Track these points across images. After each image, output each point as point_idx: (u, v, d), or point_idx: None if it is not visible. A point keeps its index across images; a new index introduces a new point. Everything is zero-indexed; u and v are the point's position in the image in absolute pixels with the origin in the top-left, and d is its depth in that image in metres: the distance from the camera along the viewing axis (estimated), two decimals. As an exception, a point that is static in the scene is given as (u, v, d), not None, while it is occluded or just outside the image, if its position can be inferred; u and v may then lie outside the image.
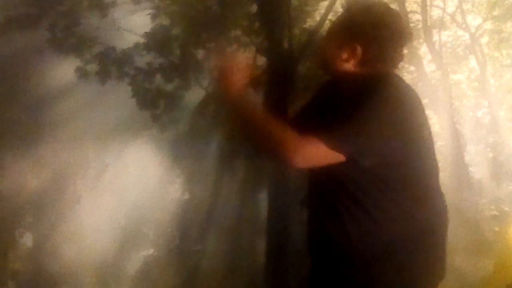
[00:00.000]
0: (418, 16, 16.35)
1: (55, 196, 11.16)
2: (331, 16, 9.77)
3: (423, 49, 16.32)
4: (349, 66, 2.62)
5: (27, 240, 11.34)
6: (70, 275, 10.81)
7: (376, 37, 2.61)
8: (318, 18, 9.90)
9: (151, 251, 11.69)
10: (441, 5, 17.02)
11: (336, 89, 2.66)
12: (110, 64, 10.94)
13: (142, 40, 11.00)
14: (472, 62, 18.09)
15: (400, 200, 2.51)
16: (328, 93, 2.72)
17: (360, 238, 2.54)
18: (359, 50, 2.60)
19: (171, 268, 11.32)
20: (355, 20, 2.63)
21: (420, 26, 16.08)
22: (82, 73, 10.81)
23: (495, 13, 16.89)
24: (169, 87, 11.26)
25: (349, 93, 2.57)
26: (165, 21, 11.27)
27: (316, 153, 2.40)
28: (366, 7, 2.68)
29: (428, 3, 16.16)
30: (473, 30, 17.41)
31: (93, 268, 10.98)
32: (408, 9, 16.07)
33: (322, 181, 2.57)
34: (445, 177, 13.20)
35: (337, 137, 2.40)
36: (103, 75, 10.85)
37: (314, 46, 9.56)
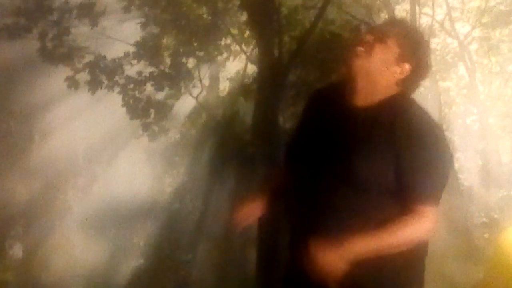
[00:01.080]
0: (407, 24, 16.38)
1: (45, 206, 11.13)
2: (321, 24, 9.79)
3: (412, 57, 16.36)
4: (392, 83, 2.62)
5: (17, 250, 11.30)
6: (60, 285, 10.78)
7: (424, 59, 2.65)
8: (308, 26, 9.91)
9: (141, 261, 11.66)
10: (430, 12, 17.08)
11: (379, 117, 2.56)
12: (100, 73, 10.91)
13: (132, 49, 10.99)
14: (461, 69, 18.13)
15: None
16: (364, 119, 2.57)
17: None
18: (407, 68, 2.62)
19: (161, 278, 11.29)
20: (410, 38, 2.63)
21: (409, 34, 16.10)
22: (72, 83, 10.78)
23: (484, 20, 16.96)
24: (160, 96, 11.26)
25: (404, 129, 2.54)
26: (156, 30, 11.27)
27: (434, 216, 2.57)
28: (416, 29, 2.74)
29: (417, 11, 16.22)
30: (462, 37, 17.46)
31: (83, 278, 10.95)
32: (398, 17, 16.13)
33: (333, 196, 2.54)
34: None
35: (434, 192, 2.60)
36: (93, 84, 10.82)
37: (305, 55, 9.59)
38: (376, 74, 2.61)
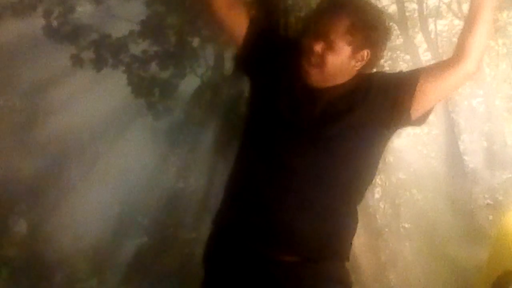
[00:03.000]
0: (414, 5, 16.32)
1: (49, 183, 11.15)
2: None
3: (419, 38, 16.30)
4: (353, 73, 2.60)
5: (21, 227, 11.34)
6: (64, 262, 10.82)
7: (383, 44, 2.63)
8: (314, 7, 9.87)
9: (145, 239, 11.69)
10: (437, -6, 17.00)
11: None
12: (105, 52, 10.90)
13: (137, 27, 10.96)
14: (468, 51, 18.05)
15: None
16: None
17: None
18: (367, 55, 2.60)
19: (165, 256, 11.33)
20: (368, 25, 2.59)
21: (416, 15, 16.06)
22: (77, 61, 10.77)
23: (491, 2, 16.87)
24: (165, 75, 11.24)
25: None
26: (161, 9, 11.23)
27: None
28: (376, 11, 2.67)
29: (424, -8, 16.14)
30: (469, 19, 17.37)
31: (87, 255, 10.99)
32: (405, -2, 16.05)
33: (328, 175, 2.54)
34: (439, 166, 13.24)
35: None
36: (98, 63, 10.82)
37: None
38: (336, 76, 2.61)
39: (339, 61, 2.49)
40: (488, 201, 12.47)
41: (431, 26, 16.41)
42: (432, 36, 16.16)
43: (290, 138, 2.54)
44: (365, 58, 2.55)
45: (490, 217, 11.32)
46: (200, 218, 11.75)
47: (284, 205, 2.51)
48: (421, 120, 2.66)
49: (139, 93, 10.97)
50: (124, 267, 11.28)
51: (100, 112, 11.21)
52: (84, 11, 11.09)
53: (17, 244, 11.09)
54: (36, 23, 10.75)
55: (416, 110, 2.58)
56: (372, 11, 2.62)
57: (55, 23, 10.85)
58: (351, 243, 2.67)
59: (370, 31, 2.55)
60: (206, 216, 11.66)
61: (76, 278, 10.97)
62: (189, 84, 11.62)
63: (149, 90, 11.03)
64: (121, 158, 11.33)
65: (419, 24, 15.86)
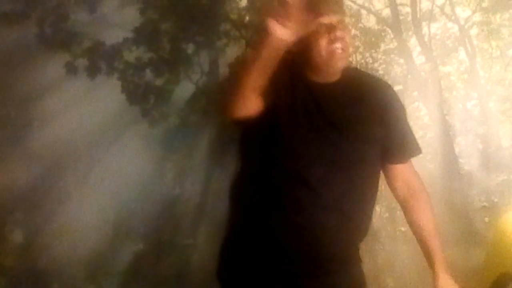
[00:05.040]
0: (407, 9, 16.36)
1: (45, 191, 11.12)
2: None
3: (412, 42, 16.33)
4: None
5: (17, 236, 11.31)
6: (61, 270, 10.79)
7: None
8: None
9: (141, 245, 11.67)
10: (431, -3, 17.04)
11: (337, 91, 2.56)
12: (99, 59, 10.91)
13: (131, 35, 10.97)
14: (462, 54, 18.10)
15: None
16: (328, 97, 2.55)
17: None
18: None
19: (162, 263, 11.31)
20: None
21: (409, 18, 16.08)
22: (71, 68, 10.78)
23: (484, 5, 16.92)
24: (159, 81, 11.24)
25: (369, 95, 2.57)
26: (155, 16, 11.23)
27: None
28: None
29: (418, -5, 16.18)
30: (462, 22, 17.42)
31: (84, 263, 10.96)
32: (398, 2, 16.08)
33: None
34: (435, 169, 13.24)
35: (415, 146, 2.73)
36: (92, 70, 10.82)
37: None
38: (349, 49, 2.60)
39: (350, 35, 2.52)
40: (484, 203, 12.47)
41: (425, 29, 16.44)
42: (426, 39, 16.19)
43: (308, 146, 2.47)
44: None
45: (486, 219, 11.32)
46: (197, 224, 11.75)
47: (314, 220, 2.44)
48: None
49: (133, 100, 10.97)
50: (121, 274, 11.26)
51: (95, 119, 11.20)
52: (77, 18, 11.08)
53: (14, 253, 11.07)
54: (29, 31, 10.75)
55: None
56: None
57: (48, 31, 10.85)
58: None
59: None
60: (202, 222, 11.67)
61: (73, 286, 10.95)
62: (184, 90, 11.62)
63: (144, 97, 11.03)
64: (116, 165, 11.31)
65: (412, 28, 15.89)
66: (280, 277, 2.47)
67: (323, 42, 2.46)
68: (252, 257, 2.52)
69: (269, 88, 2.31)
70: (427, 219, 2.65)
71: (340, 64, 2.49)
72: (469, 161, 15.14)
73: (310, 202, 2.44)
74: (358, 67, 11.09)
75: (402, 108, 2.68)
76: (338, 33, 2.46)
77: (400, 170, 2.66)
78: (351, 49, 2.52)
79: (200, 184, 11.84)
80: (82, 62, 10.87)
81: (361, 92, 2.56)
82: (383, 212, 11.10)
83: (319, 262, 2.44)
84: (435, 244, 2.63)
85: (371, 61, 13.74)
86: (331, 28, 2.46)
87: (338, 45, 2.47)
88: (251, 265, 2.55)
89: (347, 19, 2.49)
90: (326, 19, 2.46)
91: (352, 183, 2.47)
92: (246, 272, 2.56)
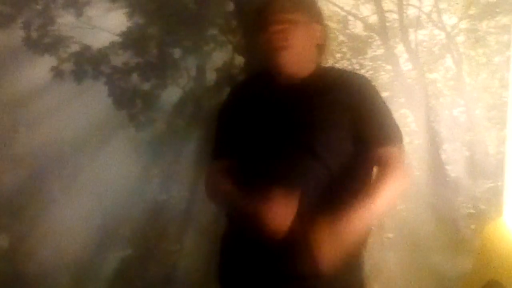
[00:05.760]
0: (394, 15, 16.42)
1: (31, 196, 11.07)
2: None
3: (399, 48, 16.39)
4: (315, 51, 2.57)
5: (2, 241, 11.25)
6: (47, 276, 10.73)
7: (325, 23, 2.63)
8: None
9: (128, 251, 11.62)
10: (417, 4, 17.10)
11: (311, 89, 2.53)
12: (86, 63, 10.88)
13: (118, 39, 10.95)
14: (448, 61, 18.18)
15: None
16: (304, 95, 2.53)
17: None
18: (320, 30, 2.60)
19: (148, 268, 11.27)
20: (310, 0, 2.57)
21: (396, 25, 16.14)
22: (57, 73, 10.75)
23: (471, 12, 17.00)
24: (146, 86, 11.22)
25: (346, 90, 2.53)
26: (141, 20, 11.22)
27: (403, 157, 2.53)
28: None
29: (405, 2, 16.23)
30: (449, 29, 17.50)
31: (70, 269, 10.91)
32: (385, 8, 16.13)
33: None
34: (421, 176, 13.26)
35: (397, 136, 2.56)
36: (79, 75, 10.79)
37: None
38: (304, 53, 2.57)
39: (300, 35, 2.48)
40: (471, 210, 12.51)
41: (412, 36, 16.50)
42: (413, 46, 16.25)
43: (281, 152, 2.45)
44: (318, 33, 2.56)
45: (473, 226, 11.34)
46: (184, 230, 11.72)
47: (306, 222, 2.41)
48: None
49: (120, 105, 10.94)
50: (107, 280, 11.21)
51: (82, 123, 11.16)
52: (64, 22, 11.04)
53: (-1, 259, 11.01)
54: (15, 34, 10.71)
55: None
56: None
57: (35, 35, 10.82)
58: None
59: (314, 5, 2.59)
60: (189, 228, 11.64)
61: (58, 292, 10.90)
62: (171, 95, 11.60)
63: (130, 102, 11.00)
64: (103, 170, 11.27)
65: (399, 34, 15.95)
66: (281, 279, 2.46)
67: (265, 36, 2.50)
68: (253, 259, 2.50)
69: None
70: (382, 182, 2.49)
71: (283, 57, 2.49)
72: (456, 168, 15.19)
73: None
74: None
75: (375, 94, 2.60)
76: (279, 27, 2.47)
77: (378, 156, 2.51)
78: (299, 47, 2.50)
79: (187, 190, 11.81)
80: (68, 66, 10.84)
81: (330, 85, 2.54)
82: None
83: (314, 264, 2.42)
84: (371, 194, 2.38)
85: (358, 67, 13.75)
86: (272, 23, 2.48)
87: (276, 43, 2.48)
88: (252, 267, 2.52)
89: (334, 25, 2.51)
90: (267, 19, 2.50)
91: (329, 186, 2.45)
92: (248, 274, 2.53)
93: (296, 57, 2.51)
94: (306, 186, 2.39)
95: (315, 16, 2.57)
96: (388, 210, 2.35)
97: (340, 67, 2.79)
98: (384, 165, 2.41)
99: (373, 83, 2.65)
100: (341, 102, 2.50)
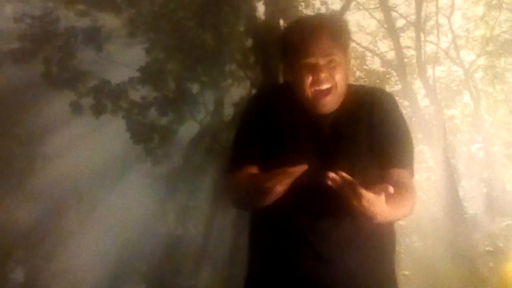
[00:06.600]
0: (412, 52, 16.47)
1: (47, 230, 11.08)
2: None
3: (417, 84, 16.42)
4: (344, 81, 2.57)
5: (18, 274, 11.24)
6: (62, 310, 10.71)
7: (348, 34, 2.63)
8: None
9: (143, 286, 11.58)
10: (435, 40, 17.15)
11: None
12: (105, 98, 10.93)
13: (137, 74, 11.01)
14: (466, 97, 18.19)
15: None
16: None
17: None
18: (348, 53, 2.61)
19: (163, 304, 11.23)
20: (338, 31, 2.56)
21: (414, 61, 16.18)
22: (76, 107, 10.80)
23: (489, 48, 17.02)
24: (164, 121, 11.25)
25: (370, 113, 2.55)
26: (160, 55, 11.29)
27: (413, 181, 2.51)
28: (337, 18, 2.67)
29: (422, 39, 16.28)
30: (467, 65, 17.53)
31: (85, 303, 10.88)
32: (403, 44, 16.19)
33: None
34: (439, 212, 13.19)
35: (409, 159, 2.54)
36: (98, 109, 10.84)
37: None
38: (343, 91, 2.57)
39: (344, 72, 2.49)
40: (489, 248, 12.39)
41: (429, 72, 16.54)
42: (430, 82, 16.27)
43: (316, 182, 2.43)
44: (349, 56, 2.57)
45: (491, 264, 11.22)
46: (199, 265, 11.68)
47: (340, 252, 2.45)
48: None
49: (138, 139, 10.97)
50: (122, 314, 11.18)
51: (99, 158, 11.20)
52: (83, 57, 11.13)
53: (15, 292, 11.01)
54: (35, 69, 10.79)
55: None
56: (333, 16, 2.71)
57: (54, 70, 10.89)
58: None
59: (348, 42, 2.59)
60: (205, 263, 11.59)
61: (73, 327, 10.86)
62: (188, 130, 11.63)
63: (148, 136, 11.03)
64: (119, 204, 11.28)
65: (417, 70, 15.98)
66: None
67: (307, 83, 2.47)
68: None
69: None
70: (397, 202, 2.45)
71: (325, 104, 2.50)
72: (473, 205, 15.09)
73: (307, 252, 2.46)
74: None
75: (397, 113, 2.64)
76: (322, 75, 2.46)
77: (389, 175, 2.49)
78: (343, 87, 2.50)
79: (203, 225, 11.80)
80: (87, 101, 10.90)
81: (357, 105, 2.56)
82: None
83: None
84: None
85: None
86: (315, 69, 2.46)
87: (322, 86, 2.47)
88: None
89: (352, 61, 2.51)
90: (310, 60, 2.47)
91: (351, 231, 2.46)
92: None
93: (338, 98, 2.52)
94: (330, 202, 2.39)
95: (346, 40, 2.58)
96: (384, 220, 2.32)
97: (366, 85, 2.77)
98: (393, 186, 2.40)
99: (396, 101, 2.69)
100: (365, 119, 2.53)
